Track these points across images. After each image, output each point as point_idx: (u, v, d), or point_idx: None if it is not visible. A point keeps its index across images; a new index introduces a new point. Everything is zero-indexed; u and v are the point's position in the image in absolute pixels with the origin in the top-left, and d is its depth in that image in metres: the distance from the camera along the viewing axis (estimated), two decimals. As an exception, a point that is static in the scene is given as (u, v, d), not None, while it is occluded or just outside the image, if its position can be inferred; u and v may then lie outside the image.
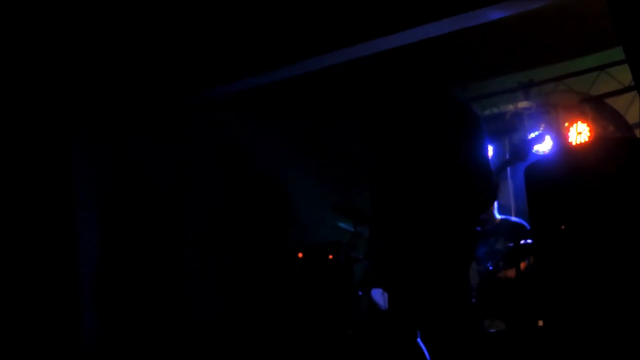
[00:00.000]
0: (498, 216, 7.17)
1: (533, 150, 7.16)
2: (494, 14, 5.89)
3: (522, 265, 6.32)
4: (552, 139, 7.46)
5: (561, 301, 5.26)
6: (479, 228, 4.55)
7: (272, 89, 7.12)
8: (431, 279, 4.22)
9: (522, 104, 7.91)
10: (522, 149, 5.59)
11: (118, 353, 6.66)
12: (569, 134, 7.53)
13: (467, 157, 4.36)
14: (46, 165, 6.54)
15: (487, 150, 4.50)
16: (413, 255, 4.27)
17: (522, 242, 6.44)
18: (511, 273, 6.45)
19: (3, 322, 6.22)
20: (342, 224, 7.23)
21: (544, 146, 7.45)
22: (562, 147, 7.43)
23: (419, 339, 4.42)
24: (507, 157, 5.51)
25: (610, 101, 7.62)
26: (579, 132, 7.47)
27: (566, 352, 5.09)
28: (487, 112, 8.11)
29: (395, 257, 4.35)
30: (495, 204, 7.09)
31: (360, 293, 6.80)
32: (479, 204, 4.48)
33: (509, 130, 7.95)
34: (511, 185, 8.13)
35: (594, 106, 7.63)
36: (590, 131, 7.46)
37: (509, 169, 7.94)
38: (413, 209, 4.30)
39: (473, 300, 6.14)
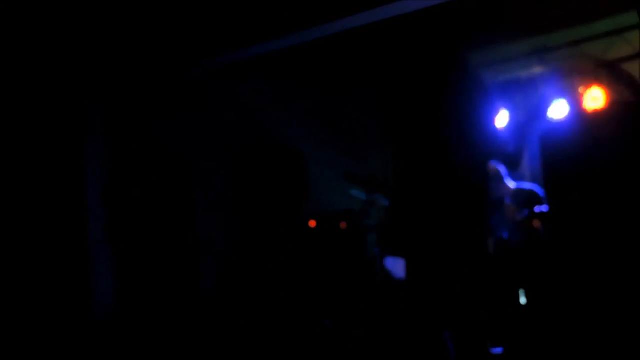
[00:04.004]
0: (512, 184, 7.22)
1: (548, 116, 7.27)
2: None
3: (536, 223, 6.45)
4: (568, 105, 7.48)
5: (576, 268, 5.66)
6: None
7: (283, 55, 7.13)
8: (448, 245, 4.56)
9: (537, 70, 7.83)
10: None
11: (134, 325, 6.82)
12: (584, 99, 7.45)
13: (477, 126, 4.59)
14: (57, 132, 6.64)
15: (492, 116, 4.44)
16: (429, 223, 4.60)
17: (536, 209, 6.61)
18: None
19: (6, 286, 6.33)
20: (354, 192, 7.15)
21: (559, 112, 7.47)
22: (577, 113, 7.42)
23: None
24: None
25: (626, 66, 7.56)
26: (594, 98, 7.39)
27: (581, 320, 5.46)
28: (501, 78, 7.99)
29: (413, 224, 4.73)
30: (505, 171, 7.17)
31: (377, 251, 6.85)
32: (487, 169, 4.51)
33: (523, 96, 7.87)
34: (526, 153, 7.99)
35: (610, 71, 7.57)
36: (605, 97, 7.38)
37: (524, 136, 7.95)
38: (429, 178, 4.66)
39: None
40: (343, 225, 7.11)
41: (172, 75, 6.99)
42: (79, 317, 6.54)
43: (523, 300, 6.35)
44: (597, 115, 7.15)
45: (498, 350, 5.91)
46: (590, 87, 7.45)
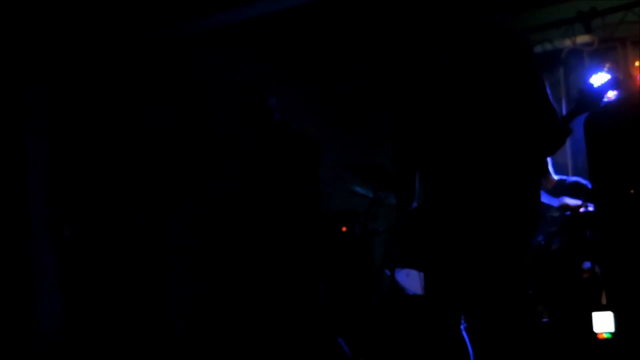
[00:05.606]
0: (555, 176, 7.01)
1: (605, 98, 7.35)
2: None
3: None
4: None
5: (631, 283, 5.26)
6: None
7: (278, 25, 7.03)
8: (481, 255, 3.92)
9: (582, 39, 7.66)
10: (593, 97, 5.16)
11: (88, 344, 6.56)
12: (640, 75, 7.34)
13: (524, 98, 4.01)
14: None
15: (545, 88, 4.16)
16: (456, 225, 3.94)
17: (581, 209, 6.43)
18: None
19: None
20: (358, 189, 6.92)
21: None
22: (631, 92, 7.05)
23: (462, 328, 4.17)
24: (573, 107, 5.29)
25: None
26: (654, 74, 7.34)
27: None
28: (539, 48, 7.70)
29: (432, 228, 4.06)
30: (550, 160, 6.95)
31: (387, 272, 6.66)
32: (542, 157, 4.27)
33: (564, 71, 7.73)
34: (568, 141, 7.79)
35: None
36: (667, 72, 7.34)
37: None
38: (456, 163, 3.95)
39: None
40: (344, 229, 6.82)
41: (132, 47, 6.85)
42: (19, 343, 6.27)
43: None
44: (656, 95, 7.00)
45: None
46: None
